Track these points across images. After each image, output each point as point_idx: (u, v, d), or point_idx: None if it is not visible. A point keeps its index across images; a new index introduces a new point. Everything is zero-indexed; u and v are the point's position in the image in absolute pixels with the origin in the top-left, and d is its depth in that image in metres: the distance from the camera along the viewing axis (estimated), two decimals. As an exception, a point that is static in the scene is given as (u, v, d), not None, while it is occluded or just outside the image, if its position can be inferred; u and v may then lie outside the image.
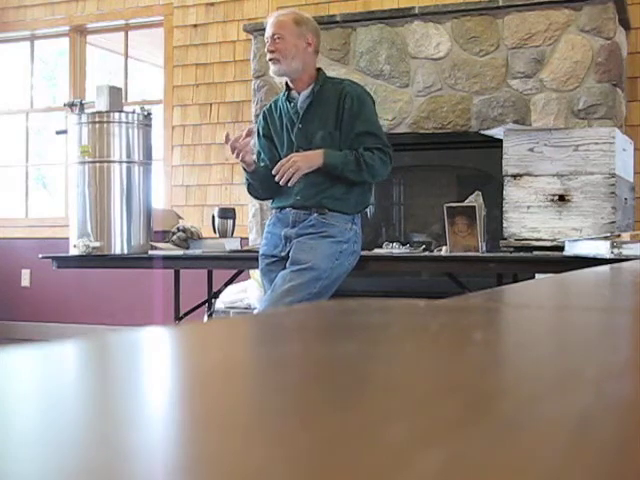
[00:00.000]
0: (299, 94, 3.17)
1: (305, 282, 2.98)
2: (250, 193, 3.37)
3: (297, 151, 3.12)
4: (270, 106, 3.30)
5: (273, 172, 3.06)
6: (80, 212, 3.70)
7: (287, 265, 3.08)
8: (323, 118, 3.12)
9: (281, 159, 3.13)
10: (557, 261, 2.98)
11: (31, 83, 6.54)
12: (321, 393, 0.34)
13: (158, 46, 5.84)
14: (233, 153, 3.13)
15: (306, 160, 3.02)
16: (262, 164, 3.23)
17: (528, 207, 3.26)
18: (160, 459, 0.24)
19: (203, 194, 5.57)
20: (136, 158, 3.75)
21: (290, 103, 3.18)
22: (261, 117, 3.32)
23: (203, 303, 4.21)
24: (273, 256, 3.18)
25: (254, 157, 3.23)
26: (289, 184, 3.05)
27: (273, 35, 3.16)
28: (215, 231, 3.89)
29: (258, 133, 3.30)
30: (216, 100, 5.54)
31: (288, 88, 3.21)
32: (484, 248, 3.28)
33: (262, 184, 3.22)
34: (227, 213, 3.92)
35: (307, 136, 3.11)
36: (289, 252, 3.11)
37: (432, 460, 0.23)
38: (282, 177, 3.02)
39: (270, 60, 3.17)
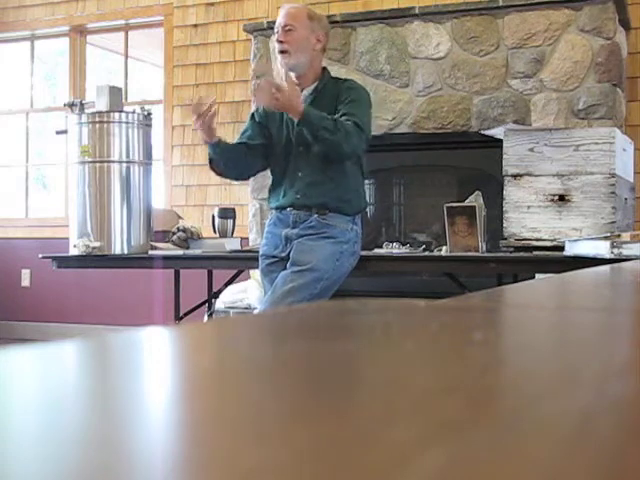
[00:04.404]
0: (302, 91, 3.17)
1: (306, 283, 2.98)
2: (213, 169, 3.28)
3: (297, 148, 3.11)
4: None
5: (254, 83, 2.99)
6: (80, 212, 3.69)
7: (288, 266, 3.08)
8: None
9: (276, 153, 3.14)
10: (557, 261, 2.98)
11: (31, 83, 6.54)
12: (321, 393, 0.34)
13: (158, 46, 5.84)
14: (197, 121, 3.07)
15: (287, 101, 2.90)
16: (241, 141, 3.21)
17: (528, 207, 3.26)
18: (160, 459, 0.24)
19: (203, 194, 5.57)
20: (136, 158, 3.75)
21: None
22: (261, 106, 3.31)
23: (203, 303, 4.21)
24: (273, 256, 3.17)
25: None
26: (256, 103, 3.06)
27: (285, 26, 3.10)
28: (215, 231, 3.89)
29: (253, 117, 3.29)
30: (216, 100, 5.53)
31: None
32: (484, 248, 3.28)
33: (226, 159, 3.18)
34: (227, 213, 3.92)
35: None
36: (289, 253, 3.11)
37: (432, 460, 0.23)
38: (259, 93, 2.94)
39: (279, 52, 3.12)
